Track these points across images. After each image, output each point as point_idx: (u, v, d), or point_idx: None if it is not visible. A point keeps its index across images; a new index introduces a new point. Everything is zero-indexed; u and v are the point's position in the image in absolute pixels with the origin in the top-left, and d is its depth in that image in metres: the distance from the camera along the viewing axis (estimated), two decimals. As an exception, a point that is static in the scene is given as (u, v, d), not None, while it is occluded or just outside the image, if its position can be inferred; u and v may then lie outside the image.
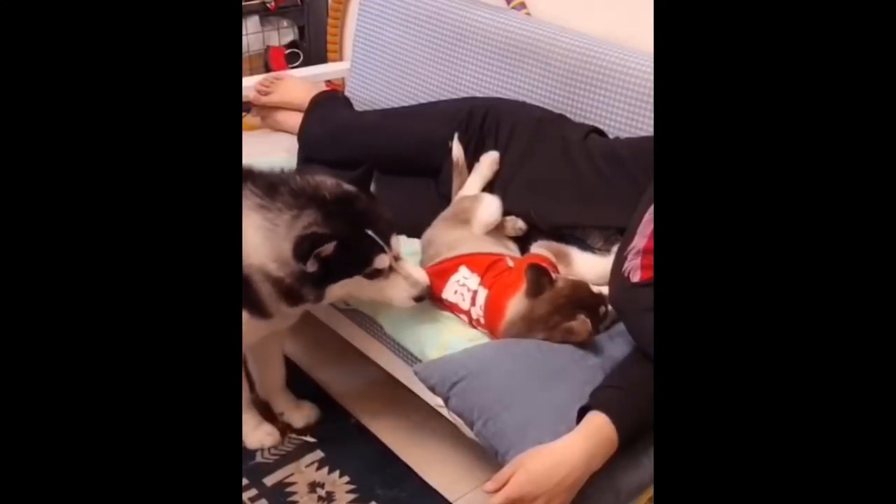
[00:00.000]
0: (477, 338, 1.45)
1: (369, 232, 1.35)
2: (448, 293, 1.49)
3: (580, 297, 1.37)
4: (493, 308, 1.42)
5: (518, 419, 1.22)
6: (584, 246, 1.55)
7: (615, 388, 1.21)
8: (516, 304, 1.39)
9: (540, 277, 1.37)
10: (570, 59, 1.83)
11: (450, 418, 1.37)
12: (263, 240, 1.36)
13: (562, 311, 1.35)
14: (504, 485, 1.14)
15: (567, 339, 1.35)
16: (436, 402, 1.37)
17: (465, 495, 1.61)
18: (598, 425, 1.16)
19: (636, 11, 1.76)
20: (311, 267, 1.33)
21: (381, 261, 1.37)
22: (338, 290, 1.40)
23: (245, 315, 1.38)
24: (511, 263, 1.49)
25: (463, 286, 1.47)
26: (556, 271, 1.48)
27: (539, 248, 1.56)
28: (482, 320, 1.45)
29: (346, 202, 1.37)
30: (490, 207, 1.61)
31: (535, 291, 1.37)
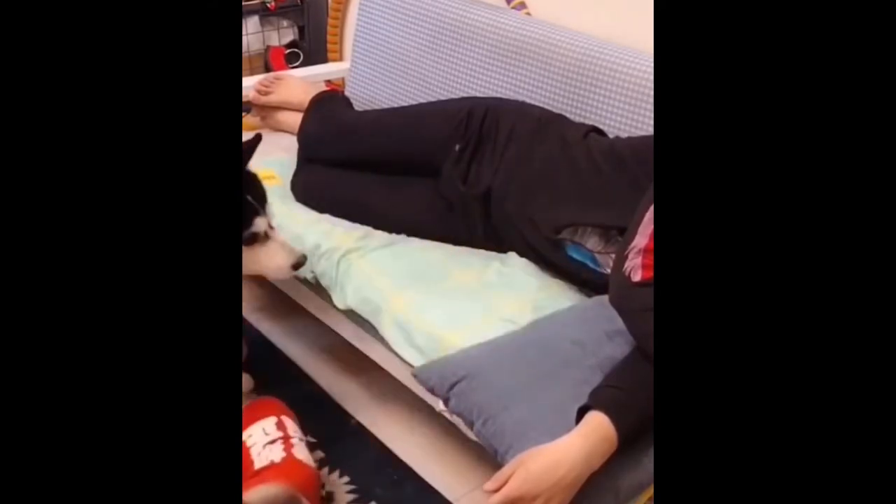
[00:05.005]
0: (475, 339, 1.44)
1: (248, 198, 1.48)
2: None
3: None
4: None
5: (517, 419, 1.23)
6: (582, 249, 1.55)
7: (614, 388, 1.21)
8: None
9: None
10: (570, 59, 1.83)
11: (449, 418, 1.37)
12: None
13: None
14: (504, 484, 1.14)
15: None
16: (436, 403, 1.37)
17: (465, 495, 1.61)
18: (598, 424, 1.16)
19: (636, 11, 1.77)
20: None
21: (259, 224, 1.48)
22: None
23: None
24: None
25: None
26: None
27: None
28: None
29: None
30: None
31: None
